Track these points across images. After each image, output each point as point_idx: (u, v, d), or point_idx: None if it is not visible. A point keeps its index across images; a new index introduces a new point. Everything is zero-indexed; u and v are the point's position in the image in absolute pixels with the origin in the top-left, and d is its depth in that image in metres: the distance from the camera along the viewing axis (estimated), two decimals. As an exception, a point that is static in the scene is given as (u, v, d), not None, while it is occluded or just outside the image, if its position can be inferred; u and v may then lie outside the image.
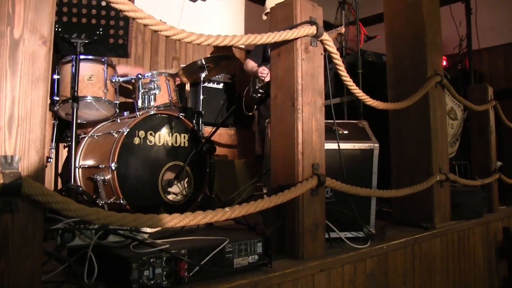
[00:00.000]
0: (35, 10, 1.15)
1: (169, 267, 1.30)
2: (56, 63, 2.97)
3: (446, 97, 3.03)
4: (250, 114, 4.52)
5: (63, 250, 1.39)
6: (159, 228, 1.82)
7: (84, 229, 1.34)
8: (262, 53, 4.36)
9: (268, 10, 4.15)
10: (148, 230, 1.61)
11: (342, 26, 3.73)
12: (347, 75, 2.15)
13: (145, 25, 1.33)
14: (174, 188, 2.88)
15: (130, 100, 3.74)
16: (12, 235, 1.04)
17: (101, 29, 2.66)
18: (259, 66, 4.29)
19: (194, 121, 3.38)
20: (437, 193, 2.68)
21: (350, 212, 2.11)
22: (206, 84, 4.49)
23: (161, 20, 1.39)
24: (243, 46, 5.48)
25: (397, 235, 2.32)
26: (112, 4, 1.27)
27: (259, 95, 4.13)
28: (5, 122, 1.06)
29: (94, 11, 2.61)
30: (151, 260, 1.26)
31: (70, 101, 2.68)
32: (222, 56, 3.69)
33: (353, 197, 2.10)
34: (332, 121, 2.17)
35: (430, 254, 2.49)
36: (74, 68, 2.69)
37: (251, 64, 4.37)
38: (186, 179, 2.94)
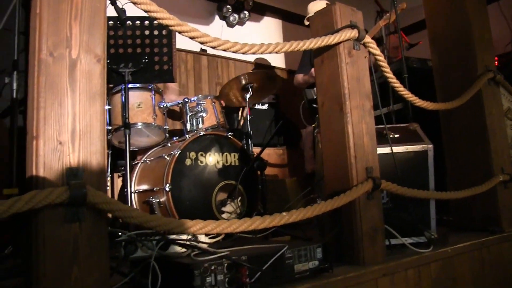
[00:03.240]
0: (89, 32, 1.23)
1: (230, 273, 1.29)
2: (106, 94, 3.11)
3: (502, 97, 2.90)
4: (314, 126, 4.46)
5: (126, 262, 1.42)
6: (218, 239, 1.83)
7: (146, 240, 1.37)
8: (309, 64, 4.26)
9: (311, 14, 4.12)
10: (207, 240, 1.62)
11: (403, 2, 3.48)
12: (393, 76, 2.10)
13: (191, 38, 1.37)
14: (228, 207, 2.89)
15: (178, 128, 3.83)
16: (81, 243, 1.08)
17: (146, 57, 2.77)
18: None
19: (243, 142, 3.40)
20: (502, 195, 2.54)
21: (409, 217, 2.04)
22: (251, 106, 4.53)
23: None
24: (284, 66, 5.53)
25: (462, 239, 2.20)
26: (158, 20, 1.33)
27: (314, 105, 4.03)
28: (68, 136, 1.12)
29: (138, 41, 2.73)
30: (213, 267, 1.27)
31: (122, 128, 2.78)
32: (264, 72, 3.71)
33: (411, 201, 2.03)
34: (382, 126, 2.13)
35: (502, 260, 2.34)
36: (123, 97, 2.80)
37: (300, 76, 4.27)
38: (239, 198, 2.95)
